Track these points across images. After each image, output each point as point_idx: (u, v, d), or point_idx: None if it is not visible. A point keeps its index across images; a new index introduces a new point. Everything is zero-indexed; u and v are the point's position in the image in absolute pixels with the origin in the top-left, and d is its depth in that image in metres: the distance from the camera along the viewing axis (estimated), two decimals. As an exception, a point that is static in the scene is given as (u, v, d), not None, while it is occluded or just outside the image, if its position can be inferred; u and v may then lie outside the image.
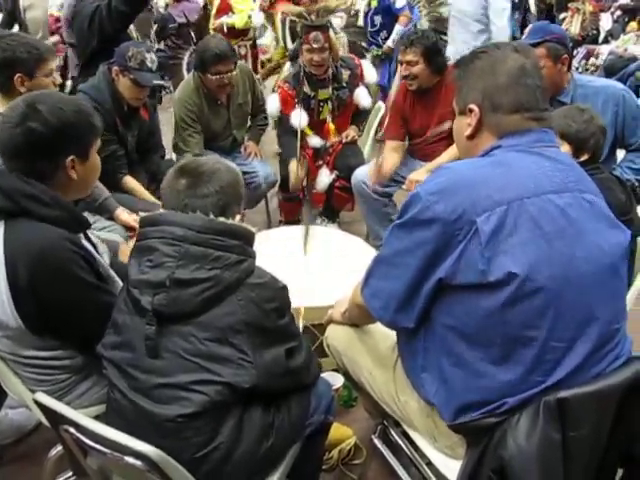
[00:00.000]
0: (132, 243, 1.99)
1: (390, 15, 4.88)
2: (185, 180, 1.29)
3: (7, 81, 1.99)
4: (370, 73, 3.31)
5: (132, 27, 3.45)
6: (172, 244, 1.22)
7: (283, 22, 4.22)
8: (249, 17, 4.39)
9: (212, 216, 1.25)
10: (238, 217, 1.32)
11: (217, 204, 1.28)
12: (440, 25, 4.45)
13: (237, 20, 4.40)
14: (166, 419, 1.19)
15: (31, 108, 1.33)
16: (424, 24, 4.66)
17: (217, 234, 1.23)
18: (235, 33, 4.43)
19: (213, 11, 4.59)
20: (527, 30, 3.99)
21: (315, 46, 2.97)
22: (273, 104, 3.24)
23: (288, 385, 1.36)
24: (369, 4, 4.97)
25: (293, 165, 3.17)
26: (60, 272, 1.32)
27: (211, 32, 4.52)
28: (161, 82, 2.69)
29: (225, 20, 4.43)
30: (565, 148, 1.84)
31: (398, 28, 4.82)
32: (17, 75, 1.98)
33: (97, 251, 1.48)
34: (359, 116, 3.37)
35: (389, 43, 4.89)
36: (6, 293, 1.31)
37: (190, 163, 1.36)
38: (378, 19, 4.92)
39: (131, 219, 2.36)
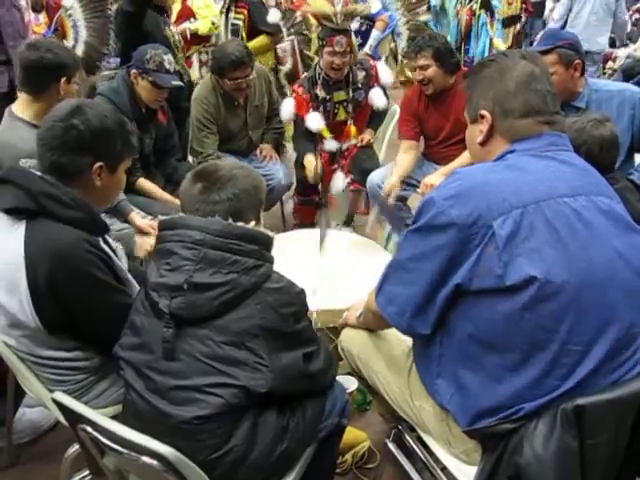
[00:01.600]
0: (147, 239, 2.05)
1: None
2: (200, 185, 1.30)
3: (48, 83, 2.05)
4: (385, 74, 3.31)
5: (174, 30, 3.48)
6: (190, 248, 1.22)
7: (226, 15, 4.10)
8: (212, 23, 4.31)
9: (231, 220, 1.25)
10: (252, 223, 1.31)
11: (228, 211, 1.27)
12: (420, 35, 4.35)
13: (201, 26, 4.33)
14: (182, 421, 1.20)
15: (79, 108, 1.41)
16: (404, 33, 4.57)
17: (235, 238, 1.23)
18: (198, 39, 4.38)
19: (173, 17, 4.43)
20: (539, 36, 3.94)
21: (338, 50, 2.98)
22: (287, 108, 3.25)
23: (306, 388, 1.37)
24: None
25: (308, 158, 3.16)
26: (79, 273, 1.34)
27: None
28: (179, 83, 2.72)
29: (188, 26, 4.34)
30: None
31: (375, 33, 4.61)
32: (63, 79, 2.05)
33: (116, 255, 1.50)
34: (375, 119, 3.37)
35: (366, 49, 4.66)
36: (25, 293, 1.33)
37: (208, 167, 1.36)
38: (353, 25, 4.81)
39: (144, 223, 2.37)
